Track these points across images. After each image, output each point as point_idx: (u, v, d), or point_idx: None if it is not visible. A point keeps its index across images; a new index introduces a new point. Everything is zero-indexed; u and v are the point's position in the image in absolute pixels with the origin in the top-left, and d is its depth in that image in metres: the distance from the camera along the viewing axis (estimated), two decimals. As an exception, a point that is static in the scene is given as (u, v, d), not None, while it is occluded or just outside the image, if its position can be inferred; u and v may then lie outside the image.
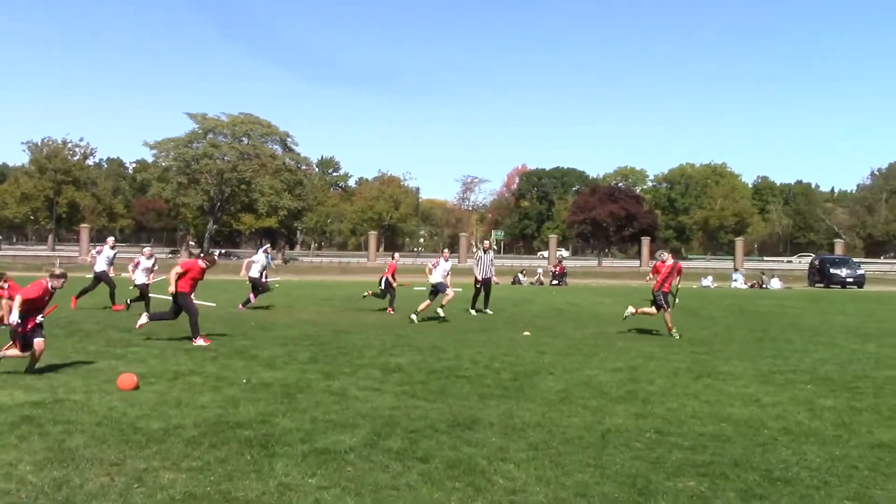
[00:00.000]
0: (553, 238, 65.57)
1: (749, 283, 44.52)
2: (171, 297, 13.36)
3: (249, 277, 20.51)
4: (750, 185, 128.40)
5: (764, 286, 43.12)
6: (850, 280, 46.10)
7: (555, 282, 42.39)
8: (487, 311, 20.32)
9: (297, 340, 13.72)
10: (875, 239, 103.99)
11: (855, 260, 54.63)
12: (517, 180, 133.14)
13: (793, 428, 7.73)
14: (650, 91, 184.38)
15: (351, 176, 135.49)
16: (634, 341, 14.73)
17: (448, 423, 7.57)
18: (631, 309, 16.40)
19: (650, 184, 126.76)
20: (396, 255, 22.95)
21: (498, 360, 11.75)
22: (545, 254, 78.98)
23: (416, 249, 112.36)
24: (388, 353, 12.29)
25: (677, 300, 16.39)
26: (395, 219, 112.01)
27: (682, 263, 17.23)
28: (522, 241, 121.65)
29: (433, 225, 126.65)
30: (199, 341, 12.87)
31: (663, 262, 16.45)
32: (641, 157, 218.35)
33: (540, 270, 46.83)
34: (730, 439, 7.21)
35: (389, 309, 19.82)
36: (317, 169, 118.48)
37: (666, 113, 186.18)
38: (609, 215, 75.41)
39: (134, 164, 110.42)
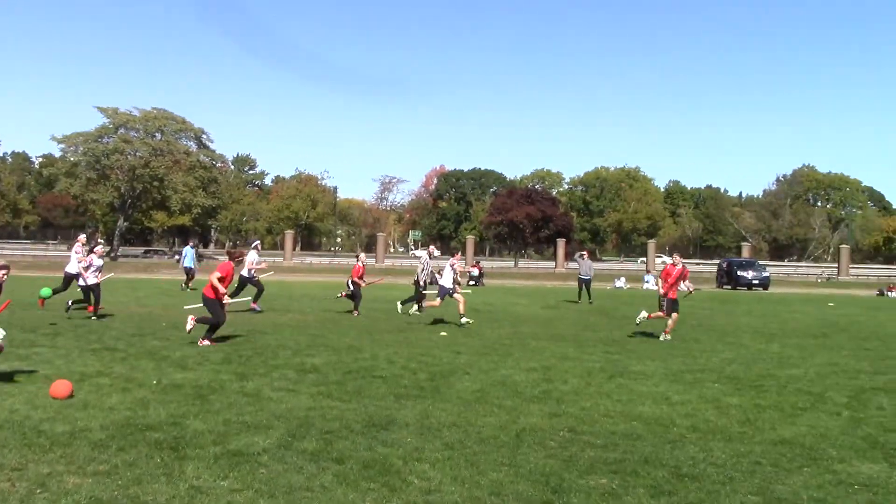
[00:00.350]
0: (470, 239, 65.92)
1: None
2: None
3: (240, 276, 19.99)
4: (662, 190, 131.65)
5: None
6: (756, 282, 47.61)
7: (472, 282, 42.63)
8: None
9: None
10: (780, 242, 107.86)
11: (760, 262, 56.52)
12: (435, 181, 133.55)
13: (700, 425, 7.94)
14: (566, 95, 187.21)
15: (267, 174, 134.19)
16: (549, 342, 14.90)
17: (364, 423, 7.53)
18: (644, 314, 16.19)
19: (566, 186, 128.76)
20: (362, 255, 22.07)
21: (415, 361, 11.74)
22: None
23: (333, 249, 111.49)
24: (303, 354, 12.14)
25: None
26: (311, 218, 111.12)
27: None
28: (440, 241, 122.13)
29: (350, 225, 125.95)
30: (206, 342, 12.90)
31: (674, 265, 16.15)
32: (558, 159, 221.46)
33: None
34: (641, 437, 7.36)
35: (355, 311, 19.50)
36: (232, 167, 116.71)
37: (582, 117, 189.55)
38: (525, 217, 76.21)
39: (40, 159, 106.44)
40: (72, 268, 18.18)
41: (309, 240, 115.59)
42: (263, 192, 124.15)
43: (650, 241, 70.75)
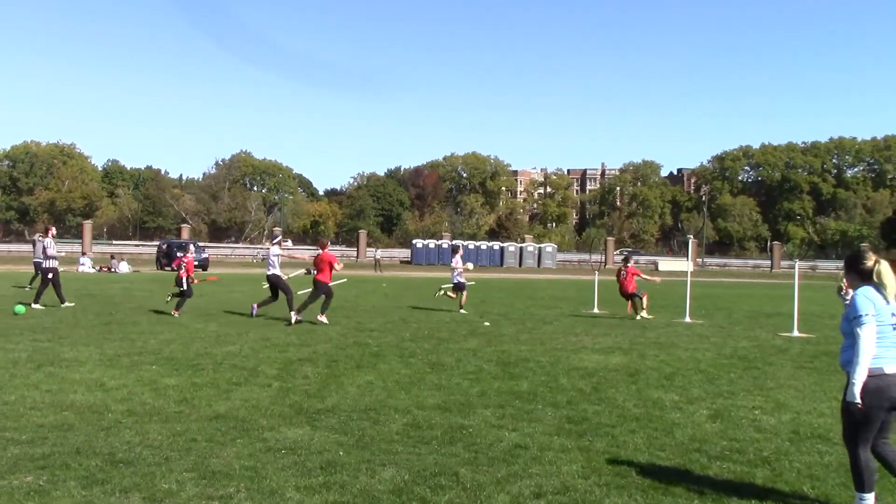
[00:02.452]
0: None
1: (98, 267, 43.91)
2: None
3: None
4: (100, 168, 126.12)
5: (113, 270, 43.00)
6: (196, 263, 48.49)
7: None
8: None
9: None
10: (219, 224, 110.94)
11: (200, 244, 57.66)
12: None
13: (137, 409, 7.83)
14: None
15: None
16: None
17: None
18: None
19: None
20: (192, 247, 20.27)
21: None
22: None
23: None
24: None
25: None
26: None
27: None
28: None
29: None
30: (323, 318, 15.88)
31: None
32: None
33: None
34: (73, 427, 6.99)
35: (175, 311, 17.18)
36: None
37: (17, 84, 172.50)
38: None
39: None
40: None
41: None
42: None
43: (86, 221, 67.45)
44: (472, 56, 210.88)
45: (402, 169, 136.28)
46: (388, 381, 9.85)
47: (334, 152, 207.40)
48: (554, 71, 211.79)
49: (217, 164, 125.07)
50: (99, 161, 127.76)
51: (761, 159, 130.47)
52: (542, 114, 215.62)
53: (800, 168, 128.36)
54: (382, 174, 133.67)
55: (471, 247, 68.32)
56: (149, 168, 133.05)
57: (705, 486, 5.70)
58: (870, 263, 5.25)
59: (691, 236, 27.46)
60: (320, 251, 17.16)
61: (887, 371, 5.04)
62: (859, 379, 4.98)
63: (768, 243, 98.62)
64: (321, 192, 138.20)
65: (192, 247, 21.63)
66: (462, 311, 19.78)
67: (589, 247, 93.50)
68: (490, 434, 7.16)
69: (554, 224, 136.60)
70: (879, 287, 5.17)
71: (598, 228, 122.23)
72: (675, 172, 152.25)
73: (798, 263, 21.37)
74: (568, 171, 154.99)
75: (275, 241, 19.51)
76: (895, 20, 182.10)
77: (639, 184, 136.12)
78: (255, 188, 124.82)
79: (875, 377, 5.00)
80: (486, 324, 17.31)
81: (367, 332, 15.03)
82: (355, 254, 72.22)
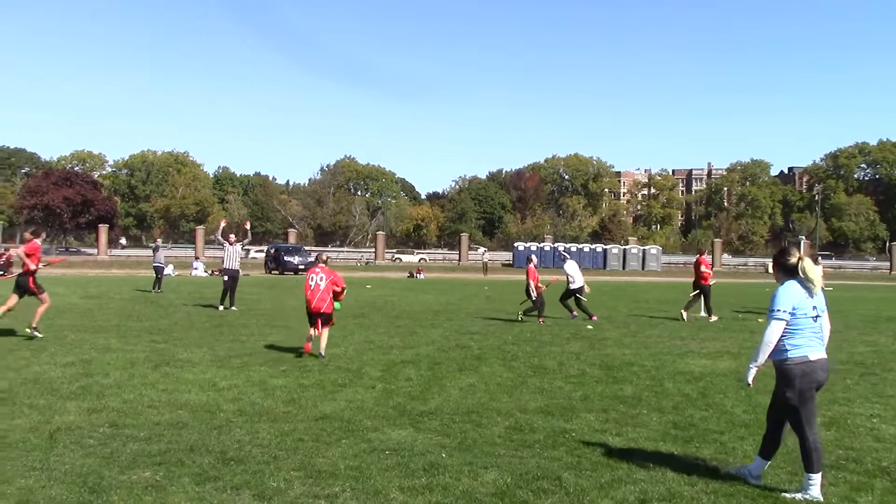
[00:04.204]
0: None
1: (210, 271, 45.42)
2: None
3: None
4: (211, 175, 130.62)
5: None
6: (303, 267, 49.65)
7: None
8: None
9: None
10: (324, 229, 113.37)
11: (306, 248, 59.09)
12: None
13: (247, 409, 8.06)
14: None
15: None
16: (89, 333, 14.00)
17: None
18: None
19: (109, 169, 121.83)
20: (534, 257, 20.42)
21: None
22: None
23: None
24: None
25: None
26: None
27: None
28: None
29: None
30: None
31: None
32: (100, 141, 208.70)
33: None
34: (186, 426, 7.25)
35: (539, 319, 17.86)
36: None
37: (135, 97, 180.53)
38: (63, 201, 70.73)
39: None
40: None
41: None
42: None
43: (199, 227, 69.94)
44: (573, 57, 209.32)
45: (503, 172, 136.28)
46: (491, 384, 9.85)
47: (436, 156, 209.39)
48: (658, 70, 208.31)
49: (322, 169, 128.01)
50: (210, 168, 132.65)
51: (879, 156, 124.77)
52: (645, 113, 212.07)
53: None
54: (484, 177, 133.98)
55: (573, 249, 67.67)
56: (257, 174, 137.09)
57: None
58: (794, 260, 5.69)
59: (803, 237, 26.44)
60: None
61: (811, 358, 5.52)
62: (756, 364, 5.59)
63: (887, 244, 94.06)
64: (423, 196, 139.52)
65: (534, 257, 20.56)
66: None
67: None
68: (593, 438, 7.07)
69: (658, 226, 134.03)
70: (804, 281, 5.60)
71: (704, 230, 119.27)
72: (786, 171, 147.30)
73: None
74: (673, 171, 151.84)
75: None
76: None
77: (747, 183, 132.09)
78: (360, 193, 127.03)
79: (802, 364, 5.50)
80: (590, 327, 17.12)
81: (469, 335, 15.07)
82: (457, 257, 72.55)
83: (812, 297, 5.60)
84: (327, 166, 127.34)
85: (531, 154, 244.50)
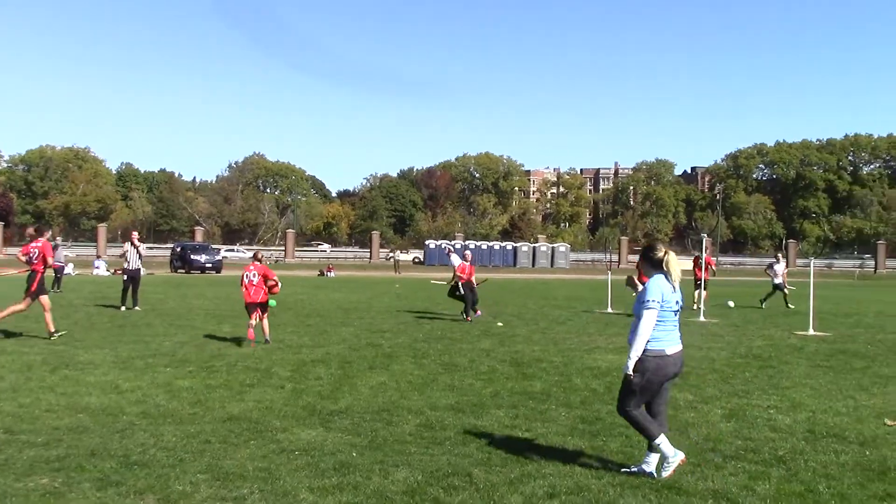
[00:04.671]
0: None
1: (112, 270, 44.11)
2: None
3: None
4: (114, 172, 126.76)
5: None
6: (210, 265, 48.72)
7: None
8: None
9: None
10: (232, 227, 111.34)
11: (214, 246, 57.92)
12: None
13: (151, 411, 7.85)
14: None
15: None
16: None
17: None
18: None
19: (4, 165, 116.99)
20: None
21: None
22: None
23: None
24: None
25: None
26: None
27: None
28: None
29: None
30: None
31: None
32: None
33: None
34: (87, 430, 7.02)
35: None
36: None
37: (32, 89, 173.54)
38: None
39: None
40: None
41: None
42: None
43: (101, 224, 67.86)
44: (483, 56, 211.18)
45: (414, 170, 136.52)
46: (401, 382, 9.85)
47: (347, 154, 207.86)
48: (565, 70, 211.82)
49: (230, 166, 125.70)
50: (113, 164, 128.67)
51: (776, 157, 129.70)
52: (554, 113, 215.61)
53: (815, 165, 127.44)
54: (395, 175, 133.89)
55: (483, 247, 68.27)
56: (162, 171, 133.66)
57: (720, 485, 5.67)
58: (660, 254, 5.91)
59: (705, 235, 27.42)
60: None
61: (668, 352, 5.78)
62: (634, 354, 5.73)
63: (783, 242, 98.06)
64: (334, 194, 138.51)
65: (468, 252, 20.12)
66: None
67: (604, 246, 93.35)
68: (503, 434, 7.14)
69: (567, 224, 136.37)
70: (668, 275, 5.84)
71: (611, 228, 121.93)
72: (689, 171, 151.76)
73: (813, 262, 21.22)
74: (581, 170, 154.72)
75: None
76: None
77: (652, 183, 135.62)
78: (269, 190, 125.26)
79: (657, 357, 5.74)
80: (499, 324, 17.29)
81: (380, 334, 15.05)
82: (369, 255, 72.31)
83: (675, 291, 5.87)
84: (235, 163, 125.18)
85: (442, 152, 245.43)
